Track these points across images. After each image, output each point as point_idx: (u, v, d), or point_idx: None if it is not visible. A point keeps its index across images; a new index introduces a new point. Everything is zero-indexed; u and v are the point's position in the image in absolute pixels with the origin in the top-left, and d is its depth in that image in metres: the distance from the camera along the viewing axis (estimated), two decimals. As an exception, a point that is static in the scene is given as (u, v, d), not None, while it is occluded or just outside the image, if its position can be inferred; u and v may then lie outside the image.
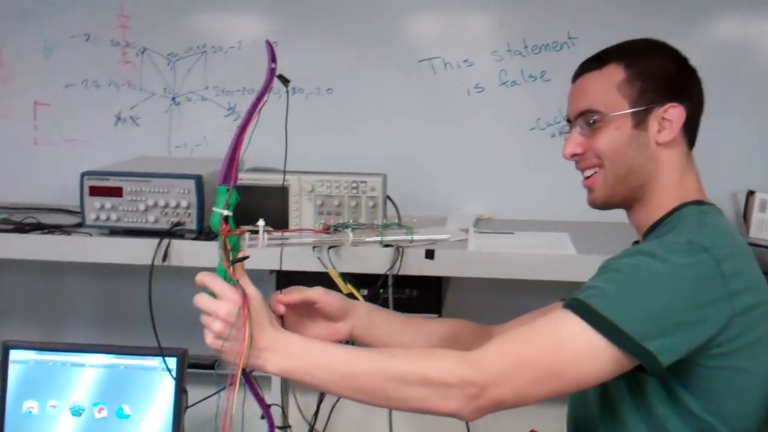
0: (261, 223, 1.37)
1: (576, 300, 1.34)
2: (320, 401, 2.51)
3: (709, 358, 1.35)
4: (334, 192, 2.07)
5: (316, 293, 1.56)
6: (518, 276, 2.01)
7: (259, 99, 1.35)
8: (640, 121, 1.47)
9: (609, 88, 1.49)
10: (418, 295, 2.13)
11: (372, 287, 2.06)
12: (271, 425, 1.45)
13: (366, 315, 1.62)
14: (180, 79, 2.64)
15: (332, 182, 2.08)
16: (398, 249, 2.02)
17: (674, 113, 1.47)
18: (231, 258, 1.33)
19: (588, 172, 1.53)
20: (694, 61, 1.55)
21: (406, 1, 2.52)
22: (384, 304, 2.07)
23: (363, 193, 2.07)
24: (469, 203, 2.49)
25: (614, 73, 1.49)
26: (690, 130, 1.52)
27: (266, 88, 1.36)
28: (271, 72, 1.37)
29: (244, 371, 1.33)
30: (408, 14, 2.53)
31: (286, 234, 1.40)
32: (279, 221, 2.08)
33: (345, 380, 1.33)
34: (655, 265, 1.33)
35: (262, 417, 1.46)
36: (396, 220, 2.12)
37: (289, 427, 2.53)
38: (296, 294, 1.54)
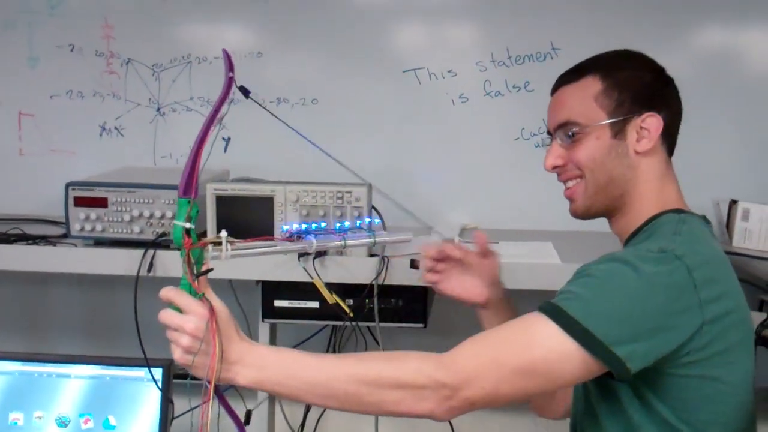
0: (223, 233, 1.34)
1: (549, 303, 1.36)
2: (307, 411, 2.52)
3: (680, 367, 1.37)
4: (319, 202, 2.08)
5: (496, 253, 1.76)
6: (503, 285, 2.01)
7: (216, 109, 1.35)
8: (618, 131, 1.50)
9: (587, 100, 1.51)
10: (403, 304, 2.13)
11: (358, 297, 2.06)
12: None
13: (503, 297, 1.78)
14: (165, 90, 2.64)
15: (317, 192, 2.08)
16: (383, 259, 2.02)
17: (652, 122, 1.49)
18: (195, 271, 1.32)
19: (569, 183, 1.56)
20: (678, 70, 1.57)
21: (391, 12, 2.53)
22: (370, 314, 2.08)
23: (348, 203, 2.07)
24: (454, 213, 2.50)
25: (591, 85, 1.51)
26: (668, 138, 1.54)
27: (224, 97, 1.36)
28: (229, 81, 1.37)
29: (218, 392, 1.32)
30: (392, 25, 2.55)
31: (250, 243, 1.39)
32: (264, 232, 2.09)
33: (317, 388, 1.33)
34: (627, 272, 1.34)
35: None
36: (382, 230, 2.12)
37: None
38: (482, 243, 1.76)
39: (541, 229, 2.38)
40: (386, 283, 2.04)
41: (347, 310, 2.00)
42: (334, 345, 2.49)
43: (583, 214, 1.57)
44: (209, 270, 1.33)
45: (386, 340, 2.15)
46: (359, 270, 2.04)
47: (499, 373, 1.32)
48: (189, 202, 1.31)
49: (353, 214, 2.07)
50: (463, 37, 2.53)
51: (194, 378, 1.33)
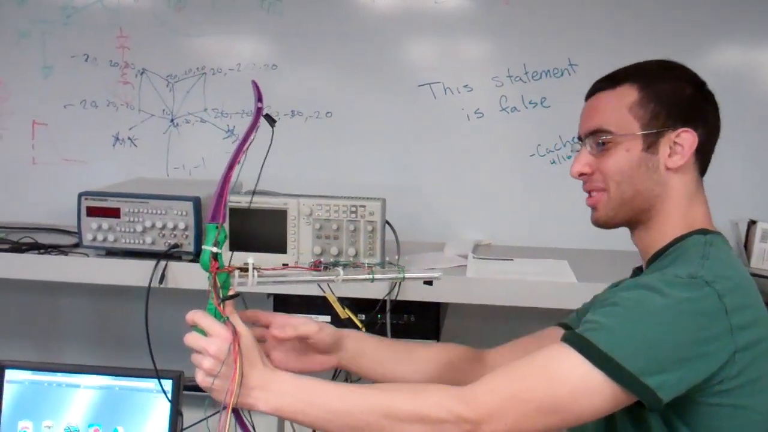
0: (251, 260, 1.36)
1: (574, 334, 1.32)
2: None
3: (711, 395, 1.33)
4: (332, 216, 2.07)
5: (311, 329, 1.57)
6: (517, 303, 2.00)
7: (246, 138, 1.35)
8: (651, 144, 1.45)
9: (621, 109, 1.46)
10: (416, 320, 2.11)
11: (370, 312, 2.04)
12: None
13: (355, 345, 1.64)
14: (179, 101, 2.64)
15: (331, 206, 2.07)
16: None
17: (686, 138, 1.45)
18: (221, 295, 1.32)
19: (593, 193, 1.51)
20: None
21: (407, 26, 2.53)
22: (382, 329, 2.06)
23: (362, 218, 2.06)
24: (467, 229, 2.49)
25: (628, 94, 1.47)
26: (702, 156, 1.49)
27: (253, 126, 1.36)
28: (258, 111, 1.37)
29: (234, 409, 1.31)
30: (408, 39, 2.54)
31: (277, 272, 1.40)
32: (277, 244, 2.08)
33: (338, 418, 1.31)
34: (655, 299, 1.31)
35: None
36: (396, 246, 2.11)
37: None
38: (290, 331, 1.55)
39: (556, 247, 2.36)
40: (399, 298, 2.02)
41: (359, 325, 1.98)
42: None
43: (604, 224, 1.52)
44: (236, 295, 1.34)
45: (398, 356, 2.13)
46: (372, 285, 2.01)
47: (522, 409, 1.29)
48: (217, 227, 1.32)
49: (367, 228, 2.05)
50: (479, 52, 2.52)
51: (202, 390, 1.32)
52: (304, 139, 2.53)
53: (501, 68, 2.47)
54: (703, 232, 1.46)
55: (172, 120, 2.64)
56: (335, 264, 1.42)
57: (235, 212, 2.09)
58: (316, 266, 1.42)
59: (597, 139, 1.47)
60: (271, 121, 1.38)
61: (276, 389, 1.31)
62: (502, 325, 2.39)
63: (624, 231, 1.56)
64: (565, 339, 1.32)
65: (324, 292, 2.00)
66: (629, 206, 1.48)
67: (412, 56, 2.55)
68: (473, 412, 1.28)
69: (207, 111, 2.62)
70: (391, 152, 2.53)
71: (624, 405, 1.31)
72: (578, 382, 1.28)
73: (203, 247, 1.32)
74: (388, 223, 2.12)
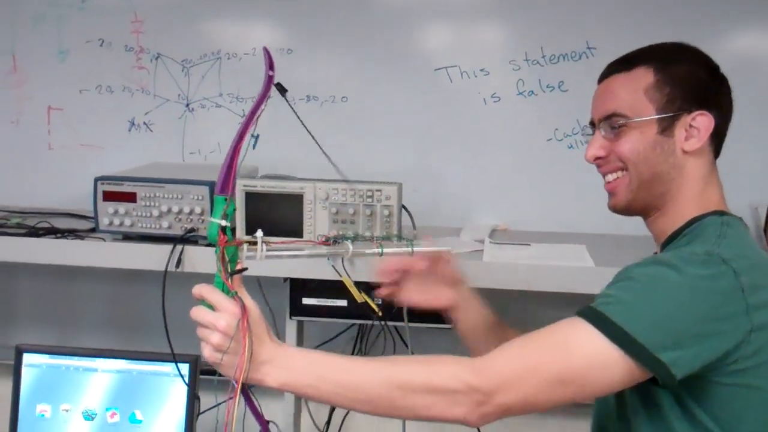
0: (259, 233, 1.34)
1: (589, 308, 1.32)
2: (332, 410, 2.50)
3: (725, 375, 1.33)
4: (349, 200, 2.06)
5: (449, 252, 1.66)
6: (535, 288, 1.99)
7: (257, 107, 1.34)
8: (666, 127, 1.45)
9: (636, 92, 1.46)
10: (433, 305, 2.11)
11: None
12: None
13: (471, 293, 1.72)
14: (194, 86, 2.63)
15: (347, 190, 2.06)
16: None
17: (702, 121, 1.44)
18: (229, 269, 1.31)
19: (610, 177, 1.50)
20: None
21: (423, 9, 2.51)
22: (398, 314, 2.05)
23: (378, 202, 2.05)
24: (484, 214, 2.48)
25: (643, 77, 1.46)
26: (717, 139, 1.49)
27: (264, 96, 1.35)
28: (269, 80, 1.36)
29: (243, 386, 1.30)
30: (424, 23, 2.52)
31: (286, 245, 1.38)
32: (293, 229, 2.07)
33: (348, 392, 1.31)
34: (671, 275, 1.30)
35: None
36: (413, 230, 2.10)
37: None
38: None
39: (573, 232, 2.35)
40: (416, 283, 2.01)
41: (376, 309, 1.97)
42: (361, 344, 2.47)
43: (623, 208, 1.52)
44: (243, 269, 1.32)
45: (414, 341, 2.13)
46: (389, 269, 2.01)
47: (535, 380, 1.29)
48: (226, 199, 1.31)
49: (383, 213, 2.05)
50: (496, 35, 2.50)
51: (222, 375, 1.31)
52: (319, 123, 2.51)
53: (518, 52, 2.45)
54: (720, 213, 1.46)
55: (187, 105, 2.63)
56: (344, 238, 1.40)
57: (251, 196, 2.08)
58: (326, 241, 1.40)
59: (612, 123, 1.47)
60: (282, 90, 1.37)
61: (285, 364, 1.31)
62: (518, 310, 2.38)
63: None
64: (581, 312, 1.32)
65: (341, 276, 2.01)
66: (647, 190, 1.47)
67: (428, 40, 2.53)
68: (486, 383, 1.28)
69: (222, 96, 2.61)
70: (408, 137, 2.51)
71: (637, 380, 1.31)
72: (593, 355, 1.28)
73: (210, 219, 1.30)
74: (404, 207, 2.11)
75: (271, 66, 1.35)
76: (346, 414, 2.51)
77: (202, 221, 2.13)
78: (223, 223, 1.30)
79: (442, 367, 1.31)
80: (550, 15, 2.43)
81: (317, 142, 1.64)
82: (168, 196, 2.15)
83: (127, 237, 2.20)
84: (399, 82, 2.52)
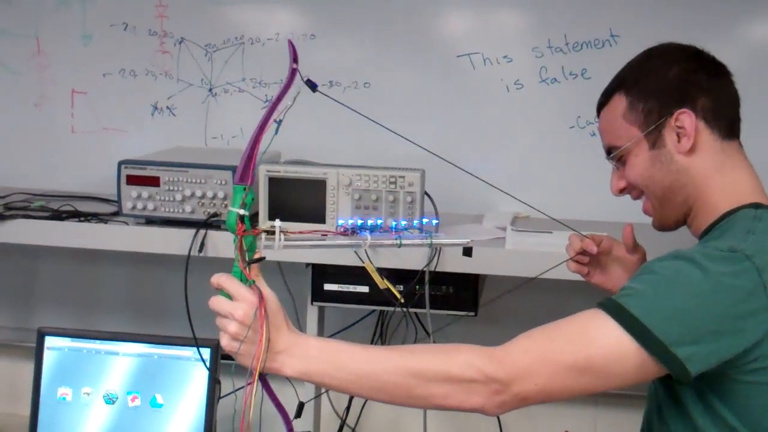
0: (277, 223, 1.34)
1: (609, 299, 1.32)
2: (351, 397, 2.50)
3: (745, 373, 1.32)
4: (371, 186, 2.06)
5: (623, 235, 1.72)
6: (557, 276, 1.97)
7: (279, 99, 1.34)
8: (655, 140, 1.47)
9: (616, 121, 1.52)
10: (454, 292, 2.11)
11: (408, 283, 2.04)
12: (290, 429, 1.43)
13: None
14: (217, 71, 2.63)
15: (370, 176, 2.06)
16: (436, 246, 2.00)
17: (684, 119, 1.45)
18: (247, 258, 1.31)
19: (640, 201, 1.57)
20: (739, 59, 1.52)
21: (447, -5, 2.50)
22: (420, 300, 2.06)
23: (401, 188, 2.05)
24: (506, 201, 2.46)
25: (618, 104, 1.51)
26: (719, 122, 1.47)
27: (286, 88, 1.35)
28: (293, 72, 1.35)
29: (261, 376, 1.31)
30: (447, 8, 2.50)
31: (303, 235, 1.38)
32: (316, 215, 2.08)
33: (365, 380, 1.31)
34: (692, 271, 1.30)
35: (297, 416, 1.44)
36: (434, 216, 2.10)
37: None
38: (630, 238, 1.71)
39: (596, 220, 2.33)
40: (438, 269, 2.01)
41: (398, 296, 1.98)
42: (381, 331, 2.48)
43: (661, 227, 1.56)
44: (261, 258, 1.33)
45: (435, 328, 2.13)
46: (411, 256, 2.02)
47: (553, 370, 1.29)
48: (245, 189, 1.31)
49: (406, 199, 2.04)
50: (519, 22, 2.48)
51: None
52: (341, 109, 2.51)
53: (541, 39, 2.43)
54: (756, 206, 1.43)
55: (210, 89, 2.64)
56: (363, 228, 1.40)
57: (273, 182, 2.09)
58: (344, 231, 1.41)
59: (613, 157, 1.54)
60: (313, 86, 1.37)
61: (302, 353, 1.31)
62: (539, 298, 2.38)
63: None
64: (601, 304, 1.32)
65: (363, 262, 2.01)
66: (669, 204, 1.50)
67: (451, 26, 2.52)
68: (503, 372, 1.28)
69: (245, 81, 2.61)
70: (430, 123, 2.50)
71: (652, 375, 1.31)
72: (611, 346, 1.28)
73: (230, 208, 1.31)
74: (427, 194, 2.11)
75: (295, 59, 1.34)
76: (365, 402, 2.51)
77: (225, 206, 2.14)
78: (242, 212, 1.30)
79: (460, 356, 1.31)
80: (573, 2, 2.41)
81: (381, 124, 1.63)
82: (191, 181, 2.16)
83: (150, 221, 2.21)
84: (421, 68, 2.51)
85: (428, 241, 1.47)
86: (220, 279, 1.32)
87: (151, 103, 2.66)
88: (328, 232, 1.45)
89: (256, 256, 1.32)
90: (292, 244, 1.38)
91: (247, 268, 1.31)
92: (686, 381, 1.29)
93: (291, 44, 1.37)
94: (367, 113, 2.50)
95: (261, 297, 1.29)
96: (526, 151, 2.47)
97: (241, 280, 1.31)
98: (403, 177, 2.05)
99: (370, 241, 1.41)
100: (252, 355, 1.28)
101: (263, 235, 1.33)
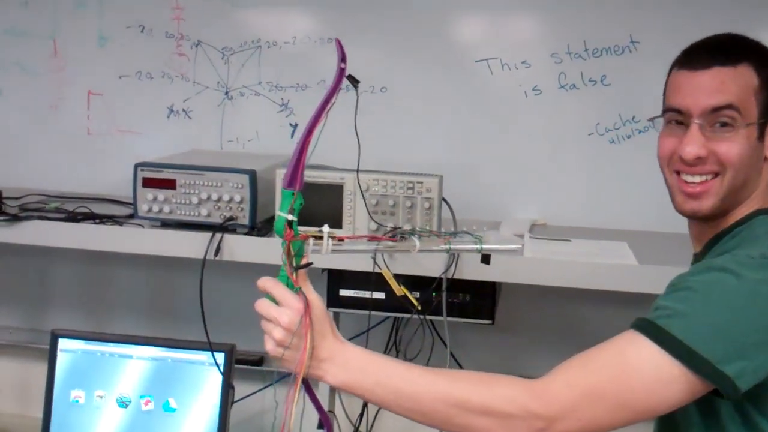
0: (326, 228, 1.33)
1: (646, 321, 1.27)
2: (366, 403, 2.48)
3: None
4: (389, 192, 2.04)
5: None
6: (577, 285, 1.96)
7: (327, 100, 1.32)
8: (761, 133, 1.39)
9: (746, 91, 1.37)
10: (471, 300, 2.09)
11: (425, 290, 2.02)
12: None
13: None
14: (234, 74, 2.62)
15: (388, 182, 2.04)
16: (453, 253, 1.97)
17: None
18: (294, 264, 1.30)
19: (698, 178, 1.40)
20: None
21: (464, 1, 2.48)
22: (437, 308, 2.04)
23: (419, 194, 2.03)
24: (523, 208, 2.45)
25: (749, 76, 1.38)
26: None
27: (335, 88, 1.33)
28: (341, 72, 1.33)
29: (304, 380, 1.30)
30: (466, 13, 2.49)
31: (352, 240, 1.37)
32: (333, 220, 2.06)
33: (405, 401, 1.30)
34: (729, 281, 1.26)
35: (320, 427, 1.43)
36: (452, 224, 2.08)
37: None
38: None
39: (613, 228, 2.31)
40: (455, 277, 1.99)
41: (415, 302, 1.96)
42: (395, 339, 2.45)
43: (709, 212, 1.42)
44: (309, 264, 1.31)
45: (451, 336, 2.11)
46: (428, 263, 1.99)
47: (598, 404, 1.25)
48: (293, 193, 1.30)
49: (424, 205, 2.02)
50: (538, 27, 2.46)
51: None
52: (358, 114, 2.50)
53: (560, 44, 2.41)
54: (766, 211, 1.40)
55: (226, 92, 2.63)
56: (411, 233, 1.38)
57: (301, 194, 2.06)
58: (392, 236, 1.39)
59: (726, 117, 1.37)
60: (355, 81, 1.35)
61: (345, 363, 1.30)
62: (556, 307, 2.37)
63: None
64: (638, 327, 1.27)
65: (380, 269, 1.99)
66: (734, 196, 1.41)
67: (469, 31, 2.50)
68: (546, 409, 1.24)
69: (261, 84, 2.60)
70: (447, 129, 2.49)
71: (699, 395, 1.26)
72: (654, 373, 1.24)
73: (278, 213, 1.30)
74: (444, 200, 2.09)
75: (343, 58, 1.32)
76: (379, 409, 2.50)
77: (242, 209, 2.12)
78: (290, 217, 1.29)
79: (501, 389, 1.28)
80: (593, 7, 2.39)
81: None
82: (208, 184, 2.14)
83: (165, 224, 2.20)
84: (439, 73, 2.49)
85: (479, 246, 1.43)
86: (266, 283, 1.32)
87: (166, 106, 2.66)
88: (377, 237, 1.43)
89: (303, 261, 1.31)
90: (340, 248, 1.37)
91: (294, 274, 1.30)
92: (735, 398, 1.25)
93: (339, 43, 1.34)
94: (384, 118, 2.51)
95: (307, 304, 1.28)
96: (543, 158, 2.45)
97: (288, 286, 1.30)
98: (421, 183, 2.03)
99: (419, 246, 1.39)
100: (296, 362, 1.27)
101: (311, 240, 1.32)
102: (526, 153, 2.46)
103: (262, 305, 1.31)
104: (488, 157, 2.47)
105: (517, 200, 2.46)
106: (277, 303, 1.30)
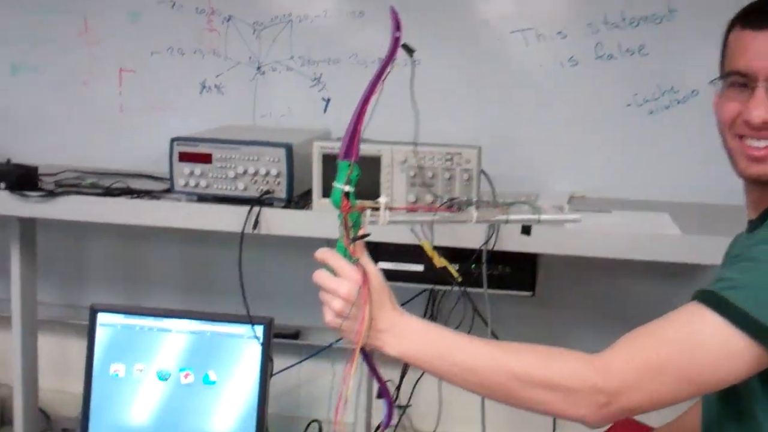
0: (383, 199, 1.32)
1: (710, 293, 1.23)
2: (403, 375, 2.49)
3: None
4: (427, 163, 2.03)
5: None
6: (620, 255, 1.94)
7: (382, 69, 1.31)
8: None
9: None
10: (511, 272, 2.08)
11: (465, 262, 2.01)
12: (390, 404, 1.41)
13: None
14: (265, 49, 2.61)
15: (426, 153, 2.03)
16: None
17: None
18: (351, 235, 1.29)
19: (766, 142, 1.34)
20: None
21: (500, -30, 2.45)
22: (477, 279, 2.03)
23: (457, 166, 2.01)
24: (560, 180, 2.43)
25: None
26: None
27: (390, 58, 1.31)
28: (396, 41, 1.32)
29: (363, 350, 1.29)
30: (500, -16, 2.47)
31: (409, 211, 1.36)
32: (370, 192, 2.05)
33: (465, 374, 1.28)
34: None
35: (379, 396, 1.43)
36: (491, 195, 2.07)
37: (409, 405, 2.51)
38: None
39: (652, 200, 2.29)
40: (495, 248, 1.98)
41: (455, 274, 1.94)
42: (433, 311, 2.45)
43: None
44: (366, 235, 1.31)
45: (490, 310, 2.10)
46: (468, 235, 1.98)
47: (662, 379, 1.22)
48: (350, 164, 1.29)
49: (462, 177, 2.01)
50: (574, -3, 2.43)
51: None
52: (395, 86, 2.48)
53: (597, 14, 2.38)
54: None
55: (258, 68, 2.62)
56: (468, 204, 1.36)
57: (328, 158, 2.06)
58: (450, 206, 1.37)
59: None
60: (410, 50, 1.34)
61: (404, 334, 1.29)
62: (595, 279, 2.35)
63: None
64: (702, 299, 1.24)
65: (419, 240, 1.97)
66: None
67: (503, 2, 2.47)
68: (610, 383, 1.22)
69: (293, 59, 2.59)
70: (483, 101, 2.47)
71: (765, 367, 1.23)
72: (720, 346, 1.21)
73: (335, 185, 1.29)
74: (483, 172, 2.07)
75: (398, 27, 1.30)
76: (418, 379, 2.50)
77: (278, 183, 2.12)
78: (347, 188, 1.28)
79: (563, 363, 1.25)
80: (631, -24, 2.35)
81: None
82: (244, 158, 2.14)
83: (202, 198, 2.20)
84: (473, 45, 2.47)
85: (536, 216, 1.40)
86: (324, 254, 1.31)
87: (199, 82, 2.65)
88: (433, 208, 1.41)
89: (361, 232, 1.30)
90: (398, 219, 1.35)
91: (352, 245, 1.29)
92: None
93: (393, 11, 1.31)
94: (418, 90, 2.47)
95: (365, 275, 1.27)
96: (580, 129, 2.42)
97: (346, 257, 1.29)
98: (460, 154, 2.02)
99: (476, 216, 1.37)
100: (354, 332, 1.27)
101: (368, 212, 1.31)
102: (562, 124, 2.43)
103: (321, 276, 1.30)
104: (524, 129, 2.45)
105: (555, 172, 2.44)
106: (335, 274, 1.29)
